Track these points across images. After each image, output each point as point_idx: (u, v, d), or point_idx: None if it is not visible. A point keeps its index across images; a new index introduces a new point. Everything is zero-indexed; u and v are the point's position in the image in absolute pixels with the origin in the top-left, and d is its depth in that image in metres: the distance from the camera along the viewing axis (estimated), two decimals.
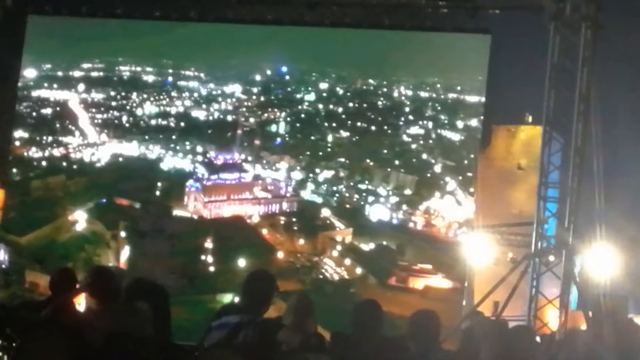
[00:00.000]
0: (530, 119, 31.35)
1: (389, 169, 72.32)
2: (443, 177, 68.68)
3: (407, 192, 70.77)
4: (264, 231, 66.40)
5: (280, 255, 63.95)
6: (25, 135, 74.19)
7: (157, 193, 69.45)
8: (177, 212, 67.40)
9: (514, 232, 26.63)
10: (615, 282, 21.80)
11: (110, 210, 66.54)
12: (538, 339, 13.82)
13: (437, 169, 71.08)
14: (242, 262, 58.17)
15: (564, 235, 22.15)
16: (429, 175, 71.20)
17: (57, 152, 74.43)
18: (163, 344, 7.19)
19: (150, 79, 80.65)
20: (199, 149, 74.03)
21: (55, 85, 78.61)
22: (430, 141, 73.85)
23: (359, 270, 62.56)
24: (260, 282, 8.82)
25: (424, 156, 73.30)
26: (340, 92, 78.07)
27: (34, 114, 77.07)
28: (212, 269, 61.32)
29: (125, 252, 62.64)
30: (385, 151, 74.12)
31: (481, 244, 25.90)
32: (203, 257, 61.88)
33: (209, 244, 62.54)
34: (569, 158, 22.49)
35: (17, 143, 70.72)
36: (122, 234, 64.18)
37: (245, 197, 68.24)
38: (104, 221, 65.28)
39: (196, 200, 67.58)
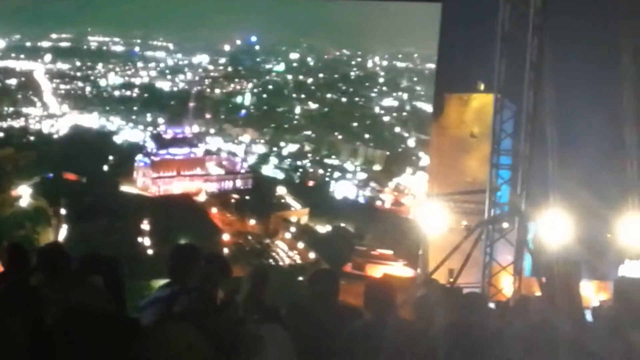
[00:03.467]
0: (482, 87, 28.76)
1: (358, 143, 64.12)
2: (416, 152, 60.23)
3: (376, 167, 62.30)
4: (214, 210, 57.87)
5: (228, 237, 55.32)
6: None
7: (106, 168, 61.19)
8: (125, 188, 58.81)
9: (468, 200, 25.20)
10: (568, 248, 19.61)
11: (56, 186, 57.91)
12: (493, 305, 12.99)
13: (411, 143, 62.84)
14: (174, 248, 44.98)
15: (517, 202, 20.19)
16: (400, 149, 62.94)
17: (17, 123, 66.88)
18: (118, 317, 6.04)
19: (117, 49, 72.96)
20: (161, 121, 65.84)
21: (22, 56, 71.32)
22: (404, 114, 65.72)
23: (312, 255, 53.86)
24: (181, 252, 7.46)
25: (397, 129, 65.12)
26: (311, 62, 70.26)
27: None
28: (150, 251, 52.32)
29: (64, 231, 54.23)
30: (355, 124, 66.01)
31: (435, 212, 23.67)
32: (140, 239, 53.13)
33: (146, 225, 54.03)
34: (521, 125, 20.17)
35: None
36: (63, 211, 55.41)
37: (196, 173, 59.79)
38: (48, 197, 56.88)
39: (145, 175, 59.10)
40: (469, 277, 20.93)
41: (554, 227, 19.99)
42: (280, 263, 53.58)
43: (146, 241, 53.04)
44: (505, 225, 20.97)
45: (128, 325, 5.91)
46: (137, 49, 71.73)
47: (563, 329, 7.68)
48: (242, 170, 61.36)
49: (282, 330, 6.85)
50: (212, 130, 65.23)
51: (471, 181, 26.82)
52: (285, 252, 54.71)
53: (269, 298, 7.68)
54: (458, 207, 25.50)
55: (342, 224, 56.25)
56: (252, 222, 56.98)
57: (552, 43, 20.19)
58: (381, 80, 67.71)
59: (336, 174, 62.13)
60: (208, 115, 65.57)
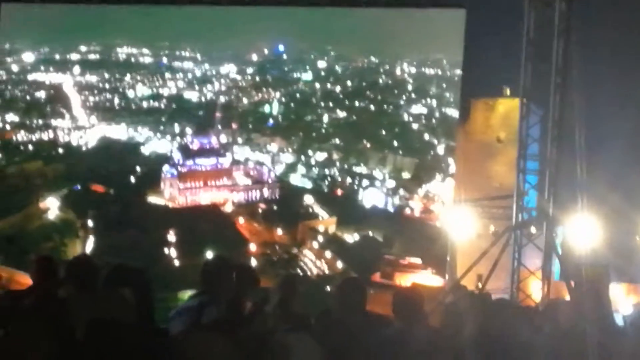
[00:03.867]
0: (508, 91, 28.85)
1: (387, 151, 62.74)
2: (445, 159, 58.64)
3: (406, 175, 61.13)
4: (241, 220, 57.40)
5: (255, 247, 54.97)
6: (16, 119, 67.10)
7: (133, 179, 60.79)
8: (152, 199, 58.49)
9: (495, 205, 25.00)
10: (597, 251, 20.29)
11: (83, 198, 58.23)
12: (521, 310, 13.18)
13: (440, 150, 61.46)
14: (210, 256, 45.30)
15: (545, 207, 20.06)
16: (430, 157, 61.80)
17: (46, 135, 66.46)
18: (146, 329, 6.35)
19: (145, 60, 72.32)
20: (188, 131, 65.19)
21: (51, 69, 70.79)
22: (433, 120, 64.52)
23: (340, 265, 53.16)
24: (211, 264, 8.15)
25: (426, 137, 63.83)
26: (339, 70, 69.04)
27: (28, 97, 69.29)
28: (177, 263, 52.33)
29: (91, 243, 54.45)
30: (383, 132, 64.61)
31: (463, 218, 24.50)
32: (167, 251, 53.05)
33: (173, 237, 53.92)
34: (547, 130, 20.31)
35: (8, 127, 66.21)
36: (90, 223, 55.58)
37: (223, 183, 59.18)
38: (76, 209, 56.99)
39: (172, 186, 58.63)
40: (498, 283, 20.94)
41: (583, 231, 20.32)
42: (308, 273, 52.93)
43: (173, 252, 52.62)
44: (533, 230, 20.82)
45: (157, 336, 6.31)
46: (164, 60, 71.18)
47: (592, 333, 7.71)
48: (270, 180, 60.59)
49: (311, 340, 6.92)
50: (239, 140, 64.52)
51: (498, 186, 26.26)
52: (313, 262, 53.97)
53: (298, 307, 7.98)
54: (485, 213, 25.43)
55: (371, 233, 55.35)
56: (280, 232, 56.24)
57: (579, 46, 19.80)
58: (410, 87, 66.55)
59: (365, 182, 61.10)
60: (235, 125, 64.85)
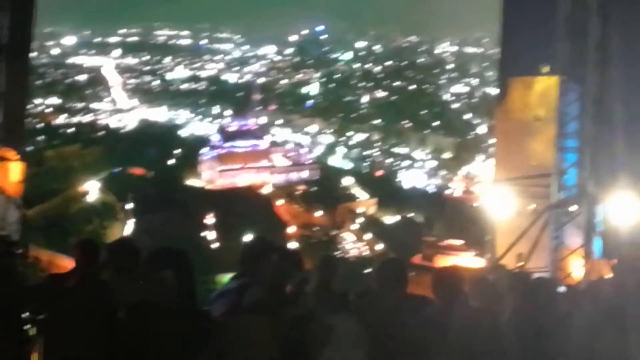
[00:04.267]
0: (546, 69, 21.01)
1: (427, 131, 61.86)
2: (487, 139, 56.71)
3: (446, 155, 60.19)
4: (280, 202, 56.07)
5: (294, 229, 53.63)
6: (57, 102, 67.03)
7: (172, 162, 59.91)
8: (191, 181, 57.88)
9: (535, 184, 20.05)
10: (638, 229, 16.16)
11: (123, 180, 57.78)
12: (562, 289, 10.57)
13: (481, 129, 60.36)
14: (248, 239, 43.81)
15: (585, 185, 17.44)
16: (470, 136, 60.78)
17: (85, 118, 66.44)
18: (188, 310, 5.85)
19: (185, 42, 72.92)
20: (227, 113, 64.74)
21: (91, 52, 71.86)
22: (475, 100, 63.47)
23: (380, 246, 51.78)
24: (251, 245, 7.06)
25: (467, 116, 62.92)
26: (379, 50, 68.77)
27: (68, 80, 69.43)
28: (215, 245, 51.19)
29: (130, 226, 53.73)
30: (423, 112, 63.94)
31: (502, 196, 19.85)
32: (205, 233, 51.93)
33: (210, 219, 52.76)
34: (586, 108, 17.23)
35: (49, 110, 65.87)
36: (129, 205, 54.90)
37: (261, 165, 58.15)
38: (115, 192, 56.41)
39: (210, 168, 57.88)
40: (538, 262, 18.31)
41: (624, 208, 17.44)
42: (348, 255, 51.80)
43: (211, 235, 52.10)
44: (573, 208, 18.56)
45: (199, 318, 6.02)
46: (204, 42, 71.55)
47: (634, 311, 7.25)
48: (308, 162, 59.78)
49: (352, 320, 6.59)
50: (279, 122, 64.20)
51: (537, 165, 20.89)
52: (352, 244, 53.10)
53: (337, 287, 7.38)
54: (525, 191, 20.40)
55: (411, 214, 54.26)
56: (319, 213, 55.26)
57: (617, 22, 17.48)
58: (450, 66, 66.10)
59: (405, 163, 60.46)
60: (273, 107, 64.63)
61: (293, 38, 69.53)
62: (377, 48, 68.12)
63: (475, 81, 64.02)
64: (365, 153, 62.12)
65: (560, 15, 17.84)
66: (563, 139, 18.43)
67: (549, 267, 18.31)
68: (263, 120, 62.88)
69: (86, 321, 5.42)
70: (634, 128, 17.97)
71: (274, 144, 60.71)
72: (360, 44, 68.01)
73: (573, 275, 18.22)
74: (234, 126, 60.37)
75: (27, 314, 6.34)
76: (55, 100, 66.74)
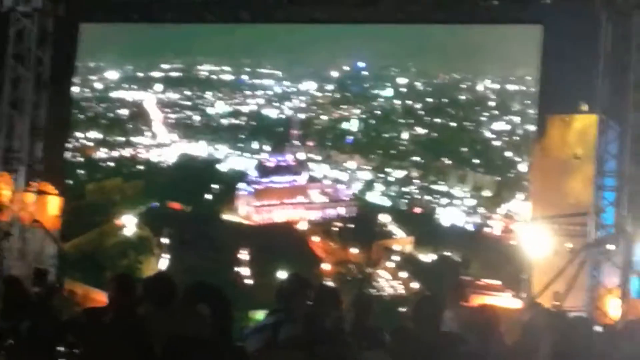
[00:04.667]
0: (585, 107, 24.39)
1: (467, 169, 61.20)
2: (527, 177, 54.59)
3: (486, 193, 59.31)
4: (316, 238, 55.83)
5: (330, 266, 53.31)
6: (99, 136, 67.40)
7: (209, 197, 60.06)
8: (227, 216, 57.59)
9: (572, 222, 21.95)
10: None
11: (160, 215, 57.42)
12: (599, 329, 11.94)
13: (522, 167, 58.88)
14: (282, 275, 43.37)
15: (623, 224, 19.09)
16: (511, 174, 59.51)
17: (126, 152, 66.89)
18: (223, 345, 6.27)
19: (226, 77, 72.08)
20: (267, 148, 64.53)
21: (134, 86, 71.54)
22: (516, 137, 62.15)
23: (415, 285, 51.10)
24: (288, 281, 7.68)
25: (508, 154, 61.78)
26: (420, 87, 67.59)
27: (110, 114, 69.78)
28: (249, 281, 50.86)
29: (165, 261, 53.76)
30: (464, 149, 63.10)
31: (539, 234, 22.05)
32: (240, 269, 51.60)
33: (245, 255, 52.39)
34: (625, 146, 19.28)
35: (90, 144, 66.33)
36: (165, 240, 54.61)
37: (298, 201, 58.08)
38: (152, 226, 56.03)
39: (247, 204, 57.68)
40: (575, 301, 19.89)
41: None
42: (383, 293, 50.99)
43: (245, 271, 51.42)
44: (610, 247, 19.98)
45: (235, 353, 6.18)
46: (245, 77, 70.70)
47: None
48: (346, 198, 59.35)
49: (386, 356, 7.02)
50: (318, 157, 63.62)
51: (575, 203, 23.31)
52: (387, 282, 52.21)
53: (373, 324, 7.94)
54: (562, 230, 22.71)
55: (448, 253, 53.50)
56: (355, 250, 54.61)
57: None
58: (492, 103, 64.83)
59: (444, 201, 59.52)
60: (312, 143, 64.09)
61: (334, 74, 68.76)
62: (418, 84, 67.18)
63: (517, 119, 62.59)
64: (403, 190, 61.14)
65: (600, 53, 19.55)
66: (601, 177, 20.11)
67: (585, 307, 19.40)
68: (301, 156, 62.26)
69: (121, 356, 5.57)
70: None
71: (312, 179, 60.12)
72: (401, 80, 67.01)
73: (610, 315, 19.41)
74: (271, 162, 59.90)
75: (62, 347, 6.70)
76: (96, 134, 66.64)
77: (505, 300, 42.45)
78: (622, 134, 19.89)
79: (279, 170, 58.89)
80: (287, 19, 25.66)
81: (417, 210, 59.55)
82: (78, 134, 64.93)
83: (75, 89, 68.09)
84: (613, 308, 19.59)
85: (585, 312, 18.97)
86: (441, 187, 60.42)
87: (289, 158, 60.62)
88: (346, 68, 68.56)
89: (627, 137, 19.43)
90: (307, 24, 27.95)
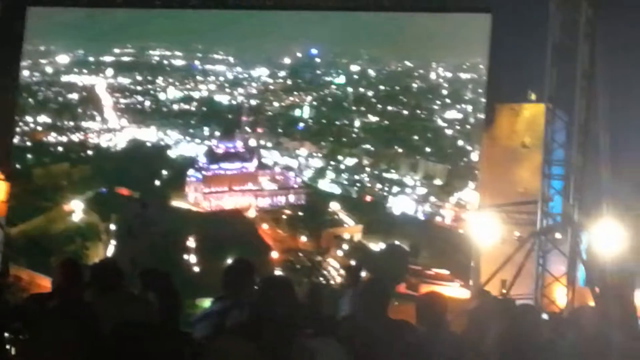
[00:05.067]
0: (533, 96, 25.42)
1: (419, 157, 60.29)
2: (479, 166, 53.43)
3: (437, 182, 58.47)
4: (265, 226, 55.02)
5: (278, 254, 52.10)
6: (48, 120, 66.06)
7: (158, 183, 58.87)
8: (176, 202, 56.48)
9: (520, 211, 22.55)
10: (622, 257, 18.91)
11: (108, 201, 56.09)
12: (546, 316, 12.71)
13: (474, 156, 57.87)
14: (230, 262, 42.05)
15: (570, 213, 19.58)
16: (463, 163, 59.02)
17: (76, 137, 65.40)
18: (171, 332, 6.14)
19: (178, 63, 70.82)
20: (218, 135, 63.43)
21: (84, 71, 69.87)
22: (468, 126, 61.61)
23: (364, 274, 46.09)
24: (236, 267, 7.61)
25: (460, 143, 61.29)
26: (373, 74, 66.83)
27: (60, 99, 68.22)
28: (196, 269, 49.62)
29: (112, 247, 52.80)
30: (416, 137, 62.35)
31: (487, 223, 22.23)
32: (186, 256, 50.36)
33: (192, 242, 51.30)
34: (572, 135, 19.79)
35: (39, 128, 65.28)
36: (112, 226, 53.46)
37: (248, 188, 57.00)
38: (100, 212, 54.86)
39: (196, 190, 56.76)
40: (522, 289, 20.03)
41: (608, 237, 19.59)
42: (331, 282, 49.78)
43: (192, 258, 50.30)
44: (558, 235, 20.39)
45: (182, 339, 5.99)
46: (197, 62, 69.57)
47: (617, 339, 7.44)
48: (296, 185, 58.53)
49: (336, 344, 6.77)
50: (268, 144, 62.84)
51: (523, 191, 24.06)
52: (336, 270, 50.95)
53: (324, 311, 8.04)
54: (510, 218, 23.31)
55: (397, 242, 52.43)
56: (304, 239, 53.88)
57: (604, 51, 19.72)
58: (445, 92, 64.12)
59: (395, 189, 58.68)
60: (261, 129, 63.45)
61: (287, 60, 67.85)
62: (370, 72, 66.42)
63: (469, 107, 62.13)
64: (355, 177, 60.45)
65: (548, 43, 19.59)
66: (548, 166, 20.27)
67: (532, 295, 19.77)
68: (251, 142, 61.60)
69: (68, 342, 5.14)
70: (619, 156, 19.78)
71: (262, 166, 59.36)
72: (354, 68, 66.28)
73: (557, 302, 19.78)
74: (220, 148, 59.05)
75: (8, 334, 6.59)
76: (46, 118, 65.40)
77: (454, 290, 42.41)
78: (569, 123, 19.89)
79: (228, 156, 57.94)
80: (236, 6, 25.57)
81: (368, 198, 58.81)
82: (28, 118, 64.18)
83: (25, 73, 67.12)
84: (560, 296, 19.88)
85: (533, 300, 19.24)
86: (392, 175, 59.69)
87: (238, 145, 59.82)
88: (299, 55, 67.75)
89: (574, 126, 19.46)
90: (254, 10, 26.87)
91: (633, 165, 20.86)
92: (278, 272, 45.97)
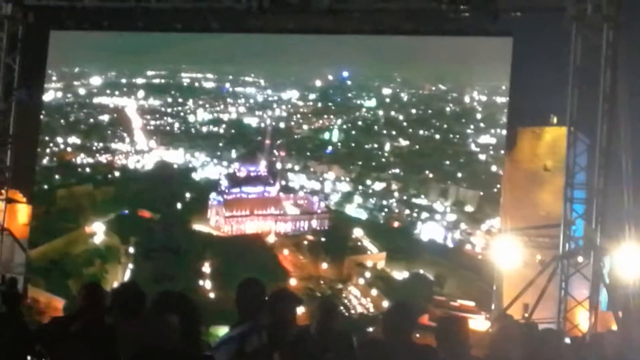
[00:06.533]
0: (555, 120, 24.69)
1: (449, 182, 57.35)
2: (501, 190, 50.99)
3: (468, 208, 55.54)
4: (285, 252, 52.42)
5: (297, 281, 49.64)
6: (78, 141, 64.73)
7: (180, 206, 56.79)
8: (197, 226, 54.37)
9: (542, 234, 21.86)
10: None
11: (129, 223, 54.19)
12: (568, 340, 13.55)
13: None
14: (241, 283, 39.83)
15: (592, 236, 19.21)
16: (495, 190, 55.09)
17: (104, 159, 63.93)
18: (192, 355, 5.68)
19: (209, 85, 69.54)
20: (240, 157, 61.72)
21: (116, 92, 68.83)
22: (502, 151, 56.54)
23: (386, 303, 46.23)
24: (248, 289, 6.95)
25: (493, 168, 57.90)
26: (405, 97, 64.53)
27: (91, 120, 67.05)
28: (211, 295, 47.42)
29: (130, 270, 51.03)
30: (447, 162, 59.43)
31: (509, 246, 21.88)
32: (202, 282, 48.14)
33: (207, 268, 49.10)
34: (594, 159, 19.52)
35: (69, 149, 63.81)
36: (131, 249, 51.71)
37: (269, 212, 54.59)
38: (121, 234, 52.96)
39: (218, 214, 54.45)
40: (544, 312, 19.91)
41: (630, 260, 19.28)
42: (352, 311, 47.53)
43: (207, 284, 48.14)
44: (580, 259, 20.08)
45: None
46: (227, 85, 68.10)
47: None
48: (319, 210, 55.93)
49: None
50: (296, 167, 60.62)
51: (545, 215, 23.57)
52: (357, 299, 48.65)
53: (339, 328, 7.97)
54: (532, 242, 22.91)
55: (422, 271, 49.72)
56: (325, 265, 51.29)
57: (626, 73, 19.31)
58: (479, 116, 61.38)
59: (424, 215, 55.94)
60: (284, 153, 61.17)
61: (318, 83, 65.94)
62: (403, 95, 64.20)
63: (504, 132, 58.81)
64: (382, 203, 57.90)
65: (570, 66, 19.27)
66: (570, 189, 19.87)
67: (555, 318, 19.50)
68: (275, 166, 59.51)
69: None
70: None
71: (285, 190, 57.27)
72: (386, 91, 64.05)
73: (579, 326, 19.45)
74: (242, 171, 57.13)
75: (30, 357, 7.07)
76: (75, 139, 64.25)
77: (479, 323, 39.40)
78: (591, 146, 19.58)
79: (250, 180, 55.94)
80: (258, 29, 25.18)
81: (395, 224, 56.29)
82: (58, 140, 63.35)
83: (58, 95, 65.35)
84: (582, 320, 19.58)
85: (555, 324, 18.94)
86: (422, 201, 57.06)
87: (261, 168, 57.75)
88: (330, 77, 65.81)
89: (596, 149, 19.15)
90: (277, 34, 27.19)
91: None
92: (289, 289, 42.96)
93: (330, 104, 64.45)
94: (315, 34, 27.42)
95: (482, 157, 59.00)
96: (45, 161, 61.01)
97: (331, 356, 7.13)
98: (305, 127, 63.76)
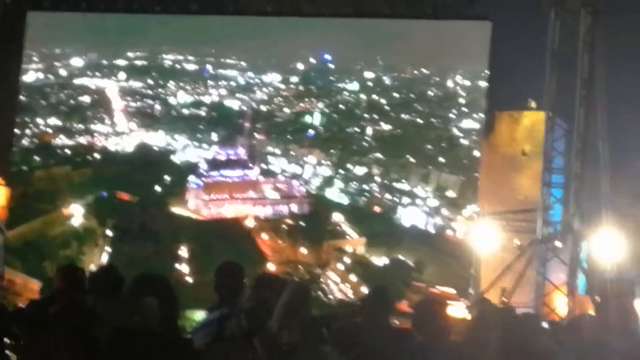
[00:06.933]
0: (533, 104, 26.59)
1: (431, 167, 56.79)
2: (479, 174, 50.87)
3: (450, 194, 55.00)
4: (264, 236, 52.06)
5: (276, 265, 49.17)
6: (59, 122, 63.85)
7: (159, 188, 56.37)
8: (176, 209, 54.06)
9: (520, 219, 23.69)
10: (622, 266, 19.91)
11: (107, 205, 54.29)
12: (546, 325, 13.26)
13: None
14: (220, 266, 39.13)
15: (570, 221, 20.60)
16: (477, 174, 53.12)
17: (84, 140, 63.05)
18: (170, 337, 6.31)
19: (190, 67, 68.13)
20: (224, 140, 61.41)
21: (98, 74, 67.50)
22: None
23: (365, 289, 46.20)
24: (228, 272, 7.67)
25: (476, 153, 55.44)
26: (387, 81, 63.22)
27: (72, 101, 65.86)
28: (188, 279, 47.15)
29: (107, 253, 51.16)
30: (429, 147, 58.64)
31: (487, 231, 23.42)
32: (178, 265, 47.89)
33: (184, 252, 49.16)
34: (572, 143, 21.04)
35: (49, 130, 63.11)
36: (109, 232, 51.82)
37: (248, 196, 54.20)
38: (98, 217, 53.08)
39: (197, 197, 54.09)
40: (522, 297, 20.80)
41: (608, 245, 19.98)
42: (330, 296, 47.18)
43: (184, 268, 47.87)
44: (558, 244, 21.06)
45: (182, 345, 6.20)
46: (209, 66, 66.92)
47: (617, 348, 7.65)
48: (299, 194, 55.39)
49: (334, 351, 6.93)
50: (276, 151, 59.90)
51: (523, 199, 25.31)
52: (336, 285, 48.32)
53: (308, 315, 7.60)
54: (510, 226, 24.39)
55: (402, 256, 49.27)
56: (304, 250, 50.87)
57: (604, 59, 19.86)
58: (462, 100, 60.45)
59: (405, 200, 55.23)
60: (262, 136, 60.68)
61: (300, 66, 64.87)
62: (385, 79, 63.07)
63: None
64: (363, 187, 57.25)
65: (547, 50, 20.28)
66: (548, 174, 20.95)
67: (533, 303, 20.46)
68: (254, 149, 58.91)
69: (69, 348, 5.36)
70: (619, 165, 19.86)
71: (265, 173, 56.67)
72: (369, 75, 63.02)
73: (557, 311, 20.37)
74: (222, 154, 56.64)
75: (7, 339, 6.87)
76: (56, 121, 63.39)
77: (459, 310, 38.50)
78: (569, 131, 20.58)
79: (229, 163, 55.39)
80: (237, 12, 25.24)
81: (377, 209, 55.61)
82: (39, 120, 62.49)
83: (40, 76, 64.55)
84: (560, 304, 20.60)
85: (533, 309, 19.73)
86: (403, 186, 56.33)
87: (240, 151, 57.24)
88: (312, 60, 64.67)
89: (574, 134, 20.09)
90: (255, 16, 26.97)
91: (632, 173, 21.29)
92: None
93: (312, 86, 63.45)
94: (293, 17, 27.26)
95: (465, 142, 58.18)
96: (25, 142, 60.43)
97: (312, 347, 6.91)
98: (286, 110, 62.91)
